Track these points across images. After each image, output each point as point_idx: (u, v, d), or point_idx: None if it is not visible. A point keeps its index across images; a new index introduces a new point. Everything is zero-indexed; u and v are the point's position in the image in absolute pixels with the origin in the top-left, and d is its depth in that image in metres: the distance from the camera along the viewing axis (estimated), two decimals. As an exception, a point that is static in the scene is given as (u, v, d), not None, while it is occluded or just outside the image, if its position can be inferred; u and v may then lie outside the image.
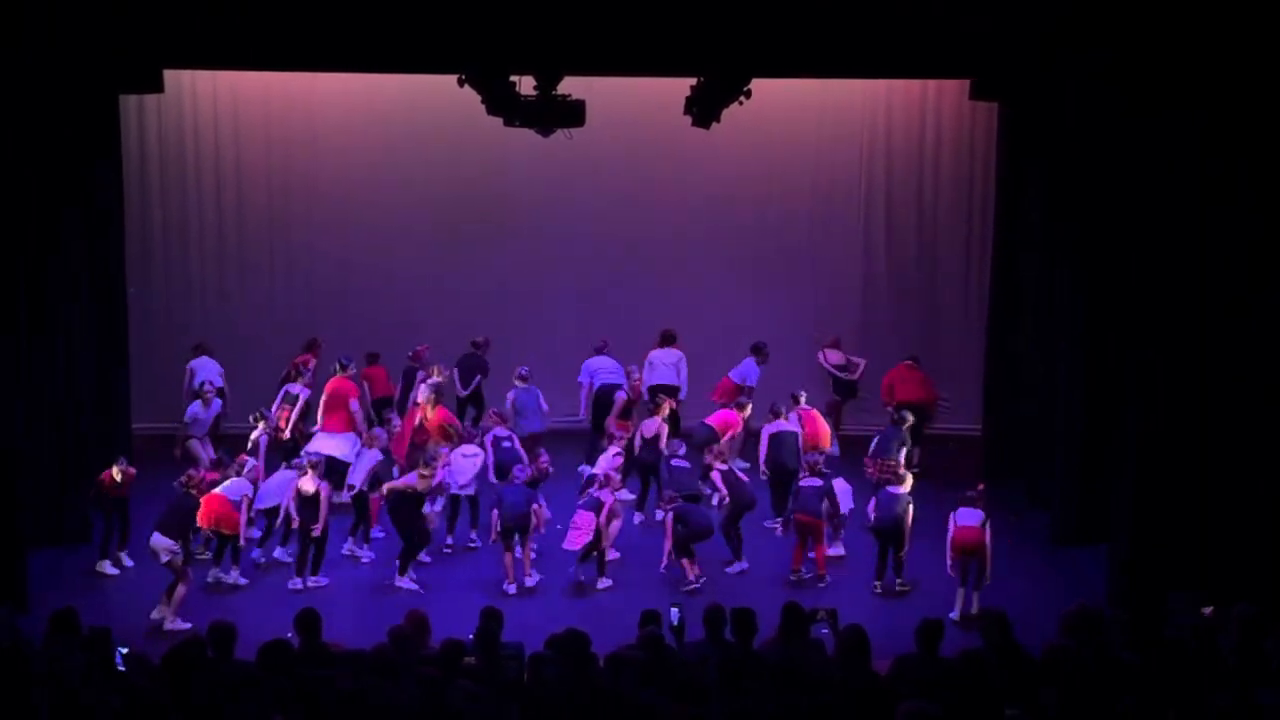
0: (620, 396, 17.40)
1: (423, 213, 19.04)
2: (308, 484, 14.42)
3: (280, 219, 19.14)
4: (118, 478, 14.75)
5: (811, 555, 14.77)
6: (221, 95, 18.65)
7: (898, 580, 14.52)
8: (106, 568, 14.94)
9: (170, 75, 16.63)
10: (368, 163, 18.89)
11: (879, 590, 14.54)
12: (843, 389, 18.47)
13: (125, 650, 9.87)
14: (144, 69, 15.64)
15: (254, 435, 15.71)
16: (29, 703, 7.61)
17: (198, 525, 14.31)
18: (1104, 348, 14.77)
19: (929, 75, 17.70)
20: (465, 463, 15.50)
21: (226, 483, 14.45)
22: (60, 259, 15.06)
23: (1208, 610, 10.93)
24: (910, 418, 16.31)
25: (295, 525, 14.66)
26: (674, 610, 11.04)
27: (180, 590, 13.70)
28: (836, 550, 15.21)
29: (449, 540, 15.59)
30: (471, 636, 10.18)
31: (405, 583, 14.58)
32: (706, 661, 9.62)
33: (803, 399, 16.57)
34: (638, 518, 16.22)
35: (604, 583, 14.66)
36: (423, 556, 14.98)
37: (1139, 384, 13.53)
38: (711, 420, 16.73)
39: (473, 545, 15.61)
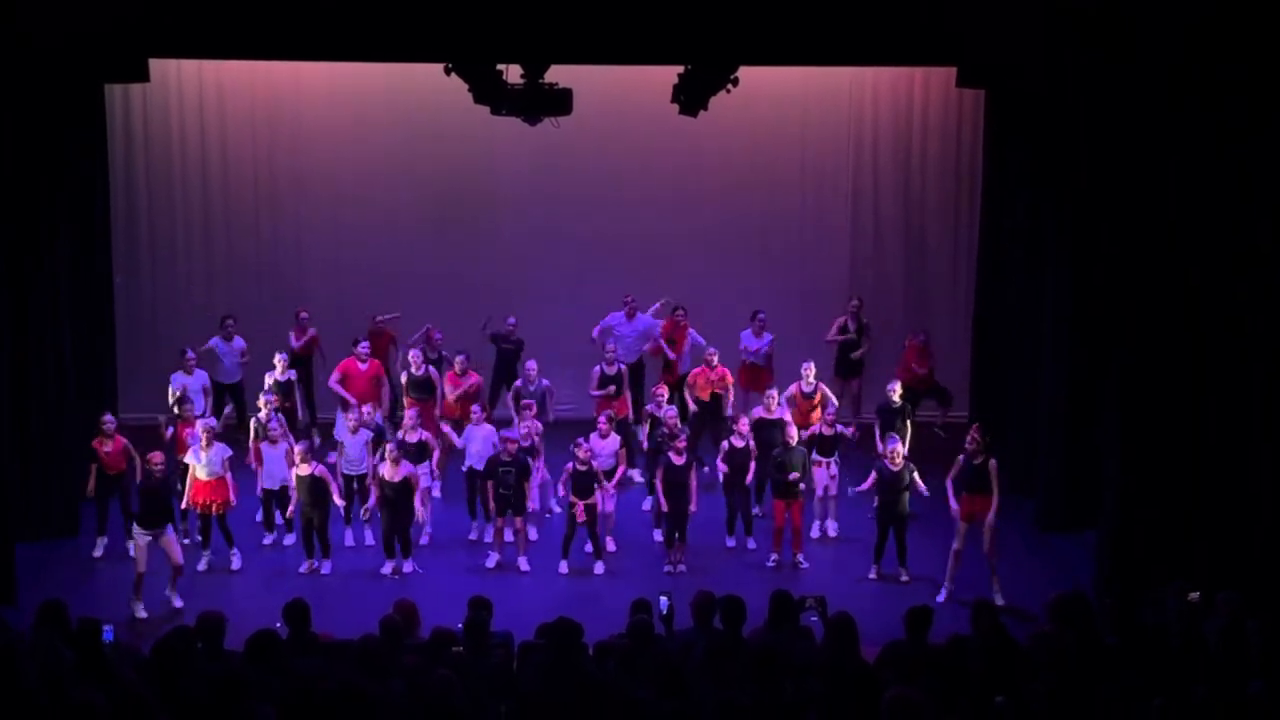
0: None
1: (409, 201, 19.03)
2: (304, 469, 14.41)
3: (267, 208, 19.11)
4: (106, 446, 14.69)
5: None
6: (207, 85, 18.60)
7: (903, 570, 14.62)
8: (99, 548, 14.96)
9: (156, 65, 16.55)
10: (354, 152, 18.86)
11: (875, 576, 14.63)
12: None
13: (112, 631, 9.86)
14: (129, 58, 15.58)
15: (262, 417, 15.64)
16: (18, 696, 7.59)
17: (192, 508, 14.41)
18: (1091, 335, 14.80)
19: (915, 63, 17.69)
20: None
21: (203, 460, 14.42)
22: (46, 250, 15.01)
23: (1194, 596, 10.97)
24: (894, 393, 16.28)
25: (291, 511, 14.73)
26: (663, 599, 11.06)
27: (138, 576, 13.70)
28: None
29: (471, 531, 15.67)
30: (461, 626, 10.19)
31: (409, 566, 14.69)
32: (694, 650, 9.65)
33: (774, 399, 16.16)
34: (647, 503, 16.20)
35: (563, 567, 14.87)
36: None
37: (1125, 372, 13.56)
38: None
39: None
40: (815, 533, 15.69)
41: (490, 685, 9.23)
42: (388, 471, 14.43)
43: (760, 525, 15.49)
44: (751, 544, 15.32)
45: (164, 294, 18.99)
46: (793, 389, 16.36)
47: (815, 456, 15.58)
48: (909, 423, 16.11)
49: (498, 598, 11.03)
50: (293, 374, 16.95)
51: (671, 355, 17.70)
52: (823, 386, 16.50)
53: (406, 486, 14.47)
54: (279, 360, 16.82)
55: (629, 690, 8.54)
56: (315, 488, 14.41)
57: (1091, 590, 13.12)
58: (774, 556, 14.90)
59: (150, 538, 13.69)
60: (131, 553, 14.04)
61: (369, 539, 15.33)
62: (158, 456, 13.95)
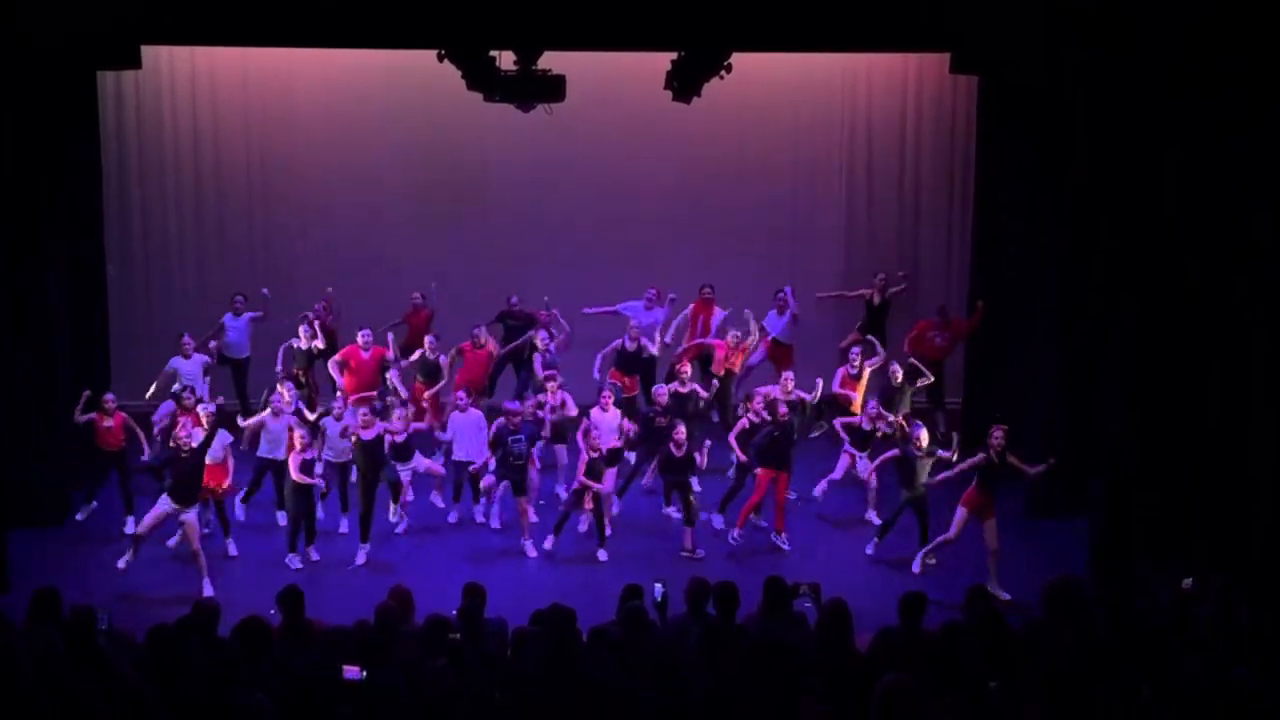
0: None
1: (402, 188, 18.98)
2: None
3: (259, 195, 19.07)
4: (105, 422, 14.72)
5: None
6: (199, 72, 18.55)
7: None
8: (129, 526, 14.92)
9: (148, 51, 16.49)
10: (347, 139, 18.81)
11: (871, 552, 14.83)
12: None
13: (106, 620, 9.87)
14: (122, 45, 15.53)
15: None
16: (13, 684, 7.58)
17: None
18: (1086, 323, 14.82)
19: (909, 49, 17.68)
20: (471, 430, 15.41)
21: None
22: (39, 239, 14.99)
23: (1188, 582, 11.00)
24: (896, 376, 16.33)
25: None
26: (657, 586, 11.05)
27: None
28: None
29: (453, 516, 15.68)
30: (455, 613, 10.19)
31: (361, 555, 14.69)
32: (688, 637, 9.66)
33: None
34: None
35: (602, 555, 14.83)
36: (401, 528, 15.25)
37: (1125, 360, 13.58)
38: None
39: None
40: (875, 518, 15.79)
41: (487, 673, 9.22)
42: (364, 432, 14.45)
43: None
44: (718, 522, 15.44)
45: (157, 283, 18.95)
46: (840, 373, 16.46)
47: (848, 447, 15.72)
48: (909, 401, 16.16)
49: (502, 581, 11.02)
50: (320, 343, 16.88)
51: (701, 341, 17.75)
52: (866, 367, 16.50)
53: (378, 444, 14.49)
54: (303, 330, 16.82)
55: (626, 685, 8.53)
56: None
57: (1085, 576, 13.14)
58: (735, 533, 14.94)
59: (174, 510, 13.69)
60: (130, 529, 14.43)
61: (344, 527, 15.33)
62: (184, 432, 13.85)
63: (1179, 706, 7.93)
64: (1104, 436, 14.05)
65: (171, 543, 14.50)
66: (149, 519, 13.80)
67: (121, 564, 13.78)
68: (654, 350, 17.01)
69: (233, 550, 14.78)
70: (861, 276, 19.15)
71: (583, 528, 15.24)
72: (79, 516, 15.10)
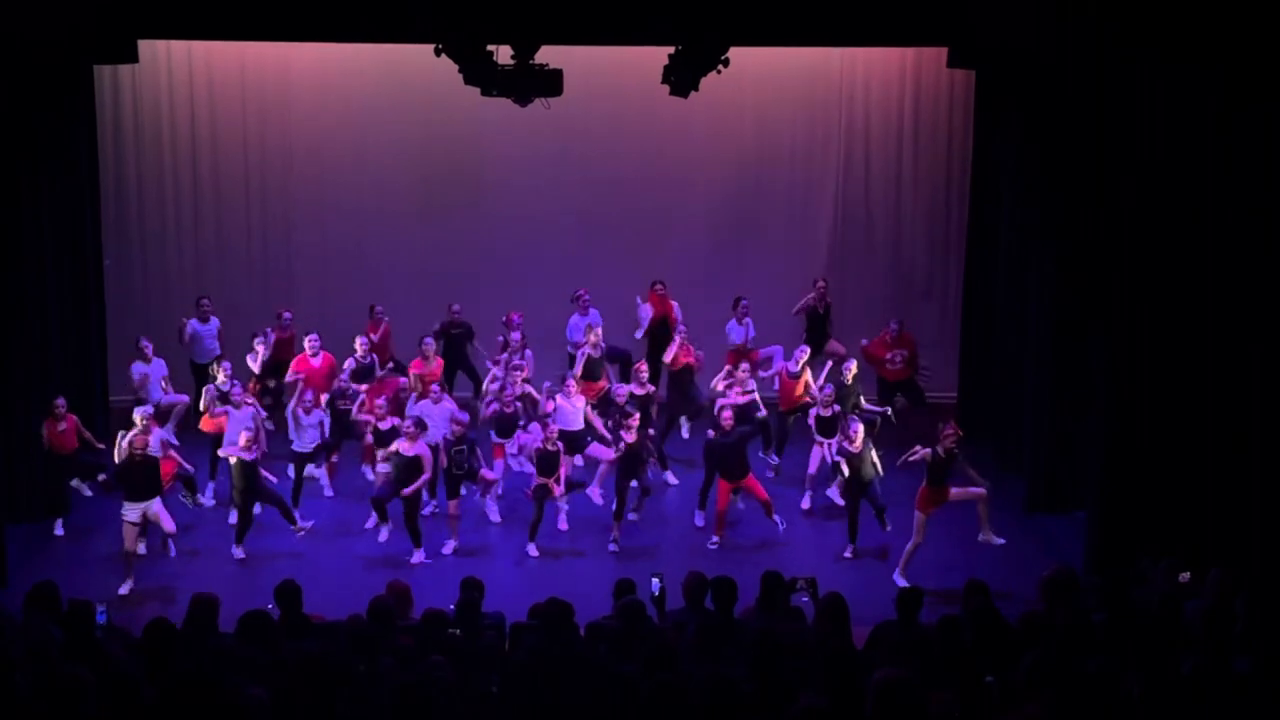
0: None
1: (399, 182, 18.97)
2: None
3: (256, 190, 19.04)
4: (58, 426, 14.69)
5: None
6: (197, 66, 18.51)
7: None
8: (84, 489, 15.34)
9: (145, 45, 16.50)
10: (344, 133, 18.80)
11: (851, 555, 14.78)
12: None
13: (104, 611, 9.88)
14: (118, 39, 15.52)
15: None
16: (10, 679, 7.58)
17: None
18: (1078, 317, 14.82)
19: (906, 43, 17.66)
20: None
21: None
22: (37, 232, 14.97)
23: (1185, 576, 11.01)
24: (848, 373, 16.31)
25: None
26: (655, 580, 11.07)
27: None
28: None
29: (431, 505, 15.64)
30: (453, 607, 10.20)
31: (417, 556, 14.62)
32: (685, 630, 9.67)
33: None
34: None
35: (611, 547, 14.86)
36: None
37: (1114, 352, 13.58)
38: None
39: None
40: (806, 504, 15.83)
41: (485, 667, 9.23)
42: (404, 446, 14.45)
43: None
44: (699, 520, 15.45)
45: (154, 276, 18.93)
46: (779, 367, 16.58)
47: (816, 436, 15.73)
48: (861, 401, 16.17)
49: (504, 577, 11.01)
50: (256, 366, 16.77)
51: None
52: (808, 369, 16.59)
53: (416, 464, 14.46)
54: (258, 345, 16.77)
55: (618, 670, 8.53)
56: (247, 472, 14.37)
57: (1083, 569, 13.16)
58: (715, 539, 14.96)
59: (139, 513, 13.70)
60: (58, 531, 14.63)
61: (371, 521, 15.24)
62: (140, 440, 13.93)
63: (1175, 700, 7.94)
64: (1102, 433, 14.04)
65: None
66: (128, 541, 13.78)
67: (124, 590, 13.65)
68: (588, 354, 16.79)
69: (207, 501, 15.25)
70: (860, 274, 19.17)
71: (563, 526, 15.22)
72: (58, 531, 14.97)
